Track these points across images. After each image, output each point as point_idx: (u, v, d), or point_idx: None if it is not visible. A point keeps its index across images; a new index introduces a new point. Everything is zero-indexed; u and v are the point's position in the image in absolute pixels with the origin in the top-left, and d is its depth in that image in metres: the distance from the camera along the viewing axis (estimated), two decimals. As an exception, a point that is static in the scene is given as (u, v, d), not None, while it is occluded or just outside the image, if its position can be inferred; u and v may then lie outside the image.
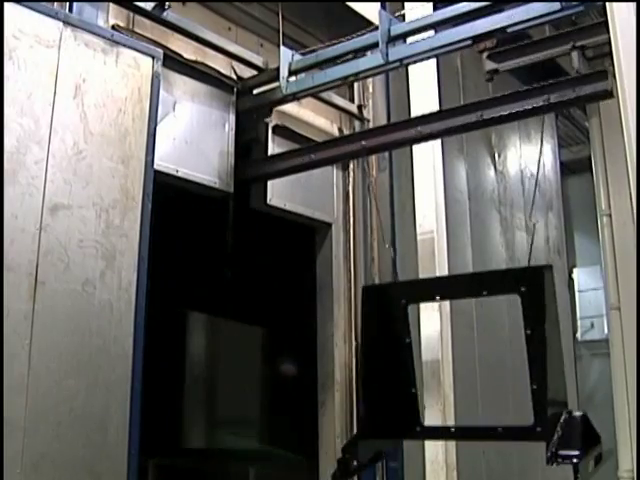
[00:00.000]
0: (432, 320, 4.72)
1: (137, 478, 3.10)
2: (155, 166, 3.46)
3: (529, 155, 7.37)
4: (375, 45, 4.01)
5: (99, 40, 3.28)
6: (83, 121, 3.14)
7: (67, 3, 3.63)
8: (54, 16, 3.13)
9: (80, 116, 3.14)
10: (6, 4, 2.95)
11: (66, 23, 3.17)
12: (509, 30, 3.72)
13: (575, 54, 4.00)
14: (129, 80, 3.37)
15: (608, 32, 3.13)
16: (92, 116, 3.18)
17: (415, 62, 4.17)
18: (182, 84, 4.28)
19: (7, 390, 2.69)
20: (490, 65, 4.13)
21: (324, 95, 5.03)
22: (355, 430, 4.88)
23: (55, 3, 3.54)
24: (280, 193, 4.77)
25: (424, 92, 5.02)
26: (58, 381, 2.87)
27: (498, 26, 3.70)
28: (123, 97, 3.32)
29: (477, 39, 3.81)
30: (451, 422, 4.69)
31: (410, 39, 4.03)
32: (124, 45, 3.38)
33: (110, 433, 2.99)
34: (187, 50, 4.31)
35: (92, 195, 3.11)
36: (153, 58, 3.50)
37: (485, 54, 4.08)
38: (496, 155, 6.71)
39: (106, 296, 3.07)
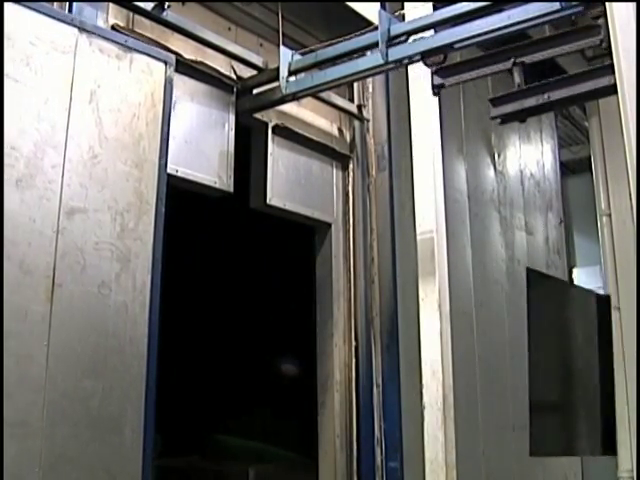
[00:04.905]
0: (432, 320, 4.71)
1: (151, 478, 3.13)
2: (155, 166, 3.47)
3: (529, 155, 7.37)
4: (375, 45, 4.01)
5: (113, 46, 3.33)
6: (98, 126, 3.19)
7: (67, 3, 3.62)
8: (70, 22, 3.19)
9: (95, 121, 3.19)
10: (22, 10, 3.00)
11: (81, 29, 3.22)
12: (508, 30, 3.71)
13: (517, 69, 3.94)
14: (142, 85, 3.42)
15: (608, 32, 3.13)
16: (107, 121, 3.23)
17: (415, 62, 4.16)
18: (182, 84, 4.28)
19: (25, 391, 2.74)
20: (437, 80, 4.12)
21: (324, 95, 5.03)
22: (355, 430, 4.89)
23: (55, 3, 3.54)
24: (280, 193, 4.77)
25: (424, 92, 5.00)
26: (75, 382, 2.91)
27: (497, 26, 3.70)
28: (137, 102, 3.37)
29: (476, 39, 3.81)
30: (451, 422, 4.68)
31: (410, 39, 4.03)
32: (137, 51, 3.43)
33: (126, 433, 3.03)
34: (187, 50, 4.31)
35: (107, 199, 3.16)
36: (166, 63, 3.55)
37: (433, 69, 4.07)
38: (496, 155, 6.71)
39: (121, 298, 3.12)
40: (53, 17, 3.12)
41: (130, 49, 3.40)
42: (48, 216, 2.93)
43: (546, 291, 3.84)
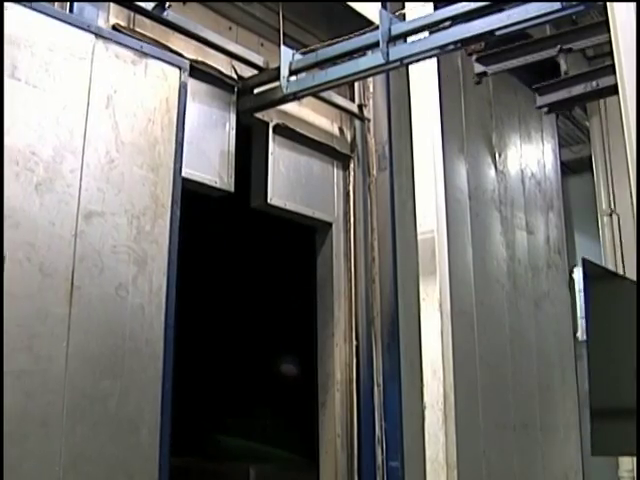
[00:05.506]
0: (433, 319, 4.71)
1: (168, 478, 3.18)
2: (155, 166, 3.49)
3: (530, 155, 7.37)
4: (376, 44, 4.01)
5: (129, 52, 3.38)
6: (115, 131, 3.24)
7: (67, 3, 3.63)
8: (86, 29, 3.25)
9: (112, 126, 3.24)
10: (40, 17, 3.06)
11: (98, 36, 3.28)
12: (509, 30, 3.71)
13: (562, 56, 3.90)
14: (157, 90, 3.47)
15: (608, 32, 3.13)
16: (123, 126, 3.28)
17: (416, 61, 4.16)
18: (183, 84, 4.29)
19: (45, 391, 2.80)
20: (479, 68, 4.07)
21: (324, 94, 5.03)
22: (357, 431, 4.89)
23: (55, 3, 3.54)
24: (280, 192, 4.77)
25: (425, 91, 5.01)
26: (93, 382, 2.97)
27: (498, 25, 3.70)
28: (152, 107, 3.42)
29: (477, 39, 3.81)
30: (451, 421, 4.68)
31: (410, 39, 4.03)
32: (152, 56, 3.49)
33: (143, 433, 3.09)
34: (188, 50, 4.31)
35: (124, 202, 3.21)
36: (180, 69, 3.61)
37: (474, 57, 4.02)
38: (497, 155, 6.71)
39: (138, 300, 3.17)
40: (71, 24, 3.19)
41: (145, 55, 3.46)
42: (67, 220, 2.99)
43: (604, 286, 3.70)
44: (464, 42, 3.84)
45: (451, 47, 3.90)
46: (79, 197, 3.04)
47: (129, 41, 3.47)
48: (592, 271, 3.65)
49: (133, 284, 3.16)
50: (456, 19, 3.84)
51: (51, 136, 3.00)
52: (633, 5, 3.04)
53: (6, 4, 2.93)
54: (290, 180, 4.88)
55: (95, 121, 3.17)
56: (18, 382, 2.72)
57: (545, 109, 4.13)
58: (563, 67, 3.85)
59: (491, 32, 3.74)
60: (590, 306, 3.57)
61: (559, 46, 3.89)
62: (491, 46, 3.95)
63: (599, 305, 3.62)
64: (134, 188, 3.25)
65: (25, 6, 3.01)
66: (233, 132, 4.52)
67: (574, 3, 3.47)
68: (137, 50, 3.42)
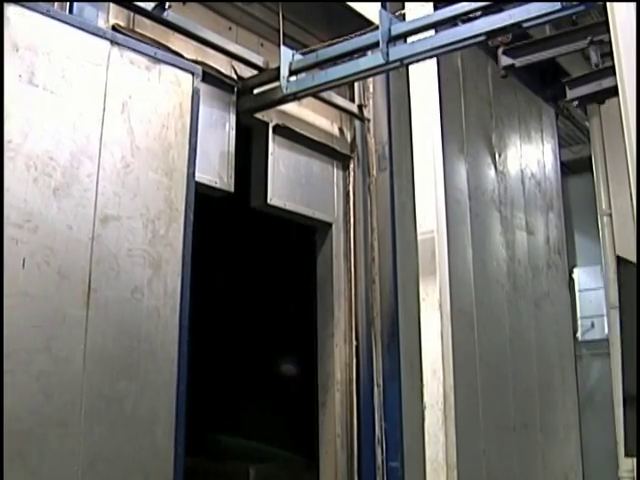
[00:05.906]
0: (433, 320, 4.71)
1: (183, 478, 3.21)
2: (156, 166, 3.50)
3: (529, 155, 7.37)
4: (376, 45, 4.01)
5: (143, 58, 3.43)
6: (130, 136, 3.29)
7: (67, 3, 3.63)
8: (102, 36, 3.31)
9: (127, 131, 3.29)
10: (58, 24, 3.11)
11: (113, 42, 3.33)
12: (509, 30, 3.71)
13: (593, 48, 3.87)
14: (171, 96, 3.52)
15: (609, 32, 3.13)
16: (138, 131, 3.33)
17: (416, 62, 4.17)
18: (182, 84, 4.28)
19: (64, 392, 2.85)
20: (506, 60, 4.04)
21: (324, 95, 5.03)
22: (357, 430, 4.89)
23: (55, 3, 3.54)
24: (280, 193, 4.77)
25: (424, 92, 5.01)
26: (110, 383, 3.01)
27: (498, 26, 3.70)
28: (166, 113, 3.47)
29: (477, 38, 3.81)
30: (451, 422, 4.68)
31: (410, 39, 4.03)
32: (166, 62, 3.54)
33: (158, 434, 3.14)
34: (187, 50, 4.31)
35: (139, 206, 3.25)
36: (193, 75, 3.65)
37: (501, 49, 3.98)
38: (496, 155, 6.71)
39: (153, 302, 3.22)
40: (87, 31, 3.24)
41: (159, 61, 3.50)
42: (84, 223, 3.03)
43: (634, 279, 3.72)
44: (465, 42, 3.84)
45: (451, 48, 3.91)
46: (96, 201, 3.09)
47: (143, 47, 3.51)
48: (625, 267, 3.69)
49: (148, 287, 3.20)
50: (456, 19, 3.84)
51: (68, 141, 3.04)
52: (633, 5, 3.05)
53: (7, 6, 2.93)
54: (290, 180, 4.88)
55: (111, 126, 3.22)
56: (37, 383, 2.76)
57: (576, 102, 4.07)
58: (594, 59, 3.80)
59: (491, 32, 3.74)
60: (622, 298, 3.62)
61: (590, 38, 3.84)
62: (517, 39, 3.90)
63: (629, 297, 3.66)
64: (149, 192, 3.30)
65: (23, 6, 3.02)
66: (233, 132, 4.52)
67: (574, 3, 3.48)
68: (151, 56, 3.47)
